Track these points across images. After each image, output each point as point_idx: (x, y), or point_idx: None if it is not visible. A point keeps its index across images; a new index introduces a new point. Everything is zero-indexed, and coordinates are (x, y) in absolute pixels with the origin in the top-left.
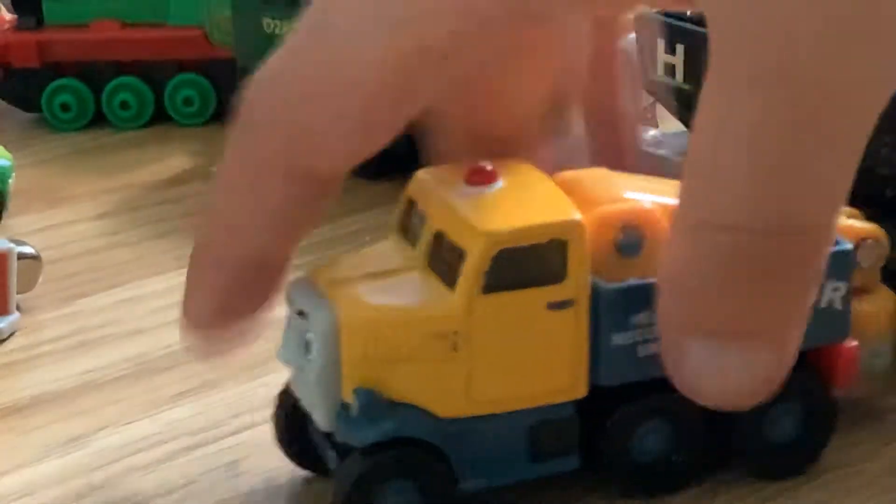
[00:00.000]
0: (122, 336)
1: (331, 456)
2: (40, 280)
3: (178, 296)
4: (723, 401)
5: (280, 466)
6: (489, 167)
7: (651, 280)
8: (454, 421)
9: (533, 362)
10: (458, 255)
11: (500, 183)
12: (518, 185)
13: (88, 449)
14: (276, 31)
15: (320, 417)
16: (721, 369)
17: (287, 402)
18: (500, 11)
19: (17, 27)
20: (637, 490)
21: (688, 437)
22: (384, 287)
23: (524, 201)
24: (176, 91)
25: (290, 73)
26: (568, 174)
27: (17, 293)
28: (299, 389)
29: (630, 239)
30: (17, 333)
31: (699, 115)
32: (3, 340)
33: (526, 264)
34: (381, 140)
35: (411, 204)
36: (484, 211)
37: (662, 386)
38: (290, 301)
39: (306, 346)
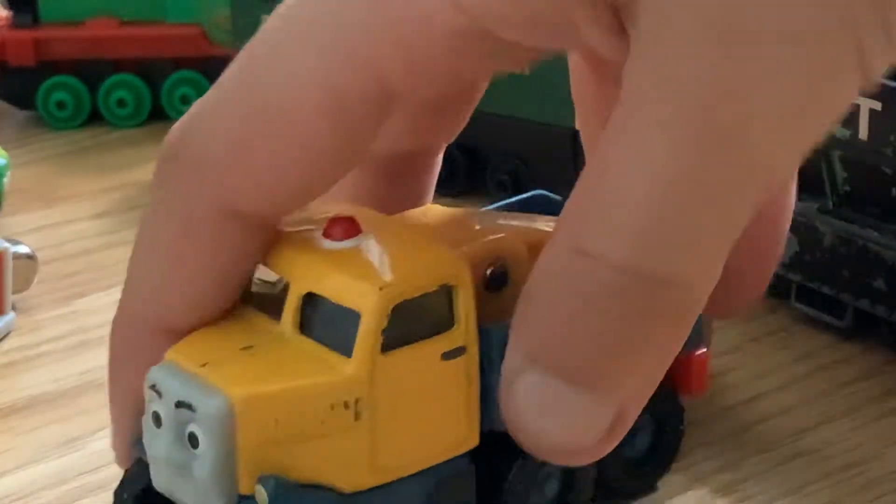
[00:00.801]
0: None
1: None
2: (36, 280)
3: None
4: (540, 446)
5: None
6: (348, 218)
7: None
8: (362, 493)
9: (431, 418)
10: (347, 316)
11: (364, 234)
12: (382, 234)
13: (86, 450)
14: None
15: None
16: (549, 410)
17: (132, 490)
18: (448, 44)
19: (13, 24)
20: None
21: (578, 477)
22: (263, 362)
23: (399, 250)
24: (173, 89)
25: (223, 113)
26: (405, 215)
27: (13, 293)
28: (179, 489)
29: (497, 273)
30: (13, 333)
31: (604, 147)
32: (0, 340)
33: (420, 315)
34: (321, 184)
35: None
36: (363, 266)
37: None
38: (159, 392)
39: (189, 441)
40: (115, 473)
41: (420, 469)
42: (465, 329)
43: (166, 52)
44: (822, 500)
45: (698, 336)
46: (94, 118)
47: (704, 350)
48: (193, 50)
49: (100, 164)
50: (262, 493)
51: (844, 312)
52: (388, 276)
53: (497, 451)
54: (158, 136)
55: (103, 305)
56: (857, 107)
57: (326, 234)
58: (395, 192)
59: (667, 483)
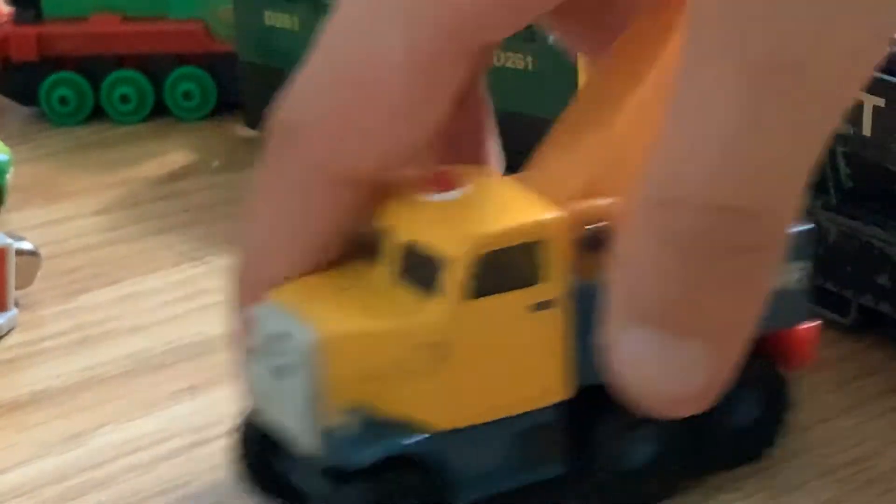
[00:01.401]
0: (123, 332)
1: (312, 483)
2: (39, 276)
3: (178, 292)
4: (650, 400)
5: None
6: (450, 173)
7: None
8: (444, 434)
9: (517, 366)
10: (438, 263)
11: (464, 188)
12: (482, 188)
13: (88, 446)
14: (278, 24)
15: (304, 444)
16: (653, 363)
17: (249, 435)
18: None
19: (16, 20)
20: (624, 500)
21: (674, 439)
22: (360, 303)
23: (496, 204)
24: (176, 85)
25: (320, 83)
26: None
27: (16, 289)
28: (275, 418)
29: (594, 236)
30: (16, 330)
31: (676, 95)
32: (2, 337)
33: (508, 267)
34: (420, 134)
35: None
36: (458, 216)
37: None
38: (259, 327)
39: (282, 373)
40: (116, 471)
41: (505, 415)
42: (556, 283)
43: (169, 47)
44: (823, 498)
45: (802, 310)
46: (97, 114)
47: (809, 324)
48: (196, 45)
49: (102, 161)
50: (348, 425)
51: (848, 309)
52: (479, 226)
53: (592, 408)
54: (161, 133)
55: (106, 302)
56: (861, 103)
57: (426, 187)
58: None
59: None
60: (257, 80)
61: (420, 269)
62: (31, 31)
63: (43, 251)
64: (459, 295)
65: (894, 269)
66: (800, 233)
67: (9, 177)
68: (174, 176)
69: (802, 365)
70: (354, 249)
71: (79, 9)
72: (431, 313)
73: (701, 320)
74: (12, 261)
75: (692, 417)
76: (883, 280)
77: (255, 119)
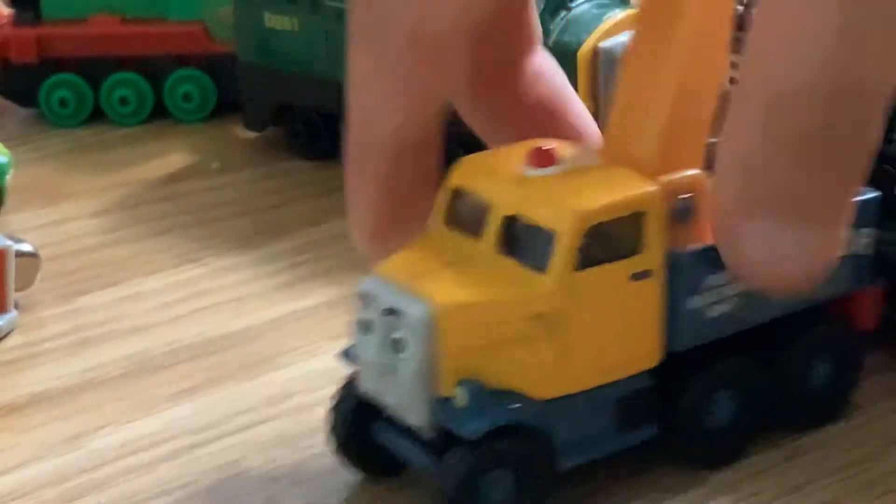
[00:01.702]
0: (123, 334)
1: (419, 454)
2: (39, 277)
3: (178, 293)
4: (777, 283)
5: (281, 466)
6: (549, 148)
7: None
8: (551, 402)
9: (618, 334)
10: (545, 236)
11: (561, 163)
12: (578, 163)
13: (88, 448)
14: (278, 26)
15: (415, 414)
16: (777, 250)
17: (346, 407)
18: None
19: (15, 22)
20: (708, 459)
21: (755, 401)
22: (466, 277)
23: (595, 178)
24: (176, 86)
25: None
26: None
27: (16, 291)
28: (385, 391)
29: (684, 206)
30: (15, 331)
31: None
32: (2, 338)
33: (612, 238)
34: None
35: (457, 193)
36: (561, 191)
37: (730, 348)
38: (370, 300)
39: (395, 345)
40: (116, 472)
41: (607, 381)
42: (653, 254)
43: (168, 49)
44: (823, 499)
45: (869, 274)
46: (97, 116)
47: (874, 287)
48: (196, 47)
49: (102, 162)
50: (461, 395)
51: None
52: (584, 201)
53: (677, 372)
54: (161, 134)
55: (105, 303)
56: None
57: (528, 162)
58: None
59: (664, 479)
60: (257, 82)
61: (525, 243)
62: (30, 32)
63: (43, 253)
64: (568, 267)
65: (894, 271)
66: (866, 200)
67: (8, 178)
68: (174, 177)
69: (869, 326)
70: (456, 225)
71: (78, 10)
72: (541, 285)
73: (816, 204)
74: (12, 263)
75: (771, 380)
76: (884, 283)
77: (255, 120)
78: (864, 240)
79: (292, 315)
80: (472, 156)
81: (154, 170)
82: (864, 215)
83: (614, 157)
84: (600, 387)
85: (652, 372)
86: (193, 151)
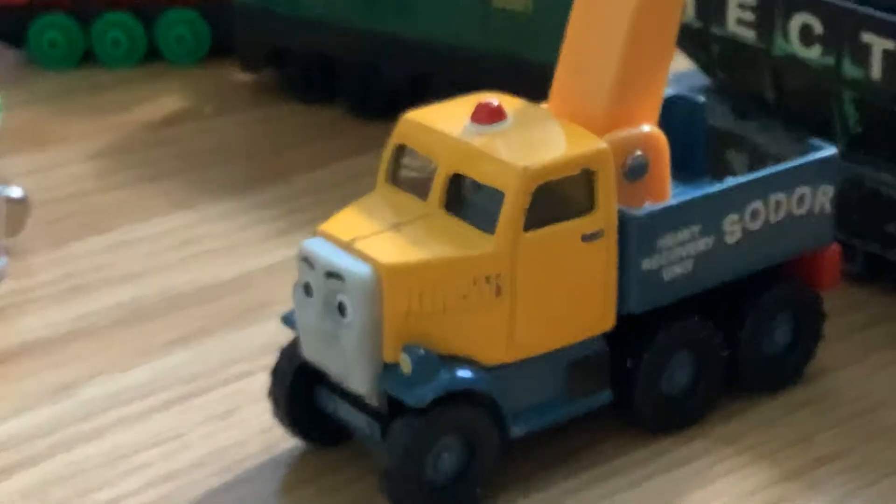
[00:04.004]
0: (115, 281)
1: (364, 421)
2: (29, 223)
3: (170, 239)
4: None
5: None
6: (495, 104)
7: (674, 202)
8: (500, 368)
9: (569, 298)
10: (492, 195)
11: (509, 119)
12: (525, 120)
13: (79, 398)
14: None
15: (359, 381)
16: None
17: (286, 374)
18: None
19: None
20: (666, 424)
21: (712, 365)
22: (411, 238)
23: (542, 136)
24: (168, 28)
25: None
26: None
27: (5, 237)
28: (327, 357)
29: (637, 163)
30: (5, 278)
31: None
32: None
33: (561, 198)
34: None
35: (401, 150)
36: (509, 148)
37: (686, 309)
38: (310, 262)
39: (338, 309)
40: (108, 423)
41: (558, 347)
42: (605, 213)
43: None
44: (832, 448)
45: (829, 232)
46: (88, 58)
47: (834, 245)
48: None
49: (94, 105)
50: (406, 361)
51: (855, 257)
52: (531, 159)
53: (631, 335)
54: (154, 77)
55: (97, 249)
56: (870, 47)
57: (474, 119)
58: None
59: (664, 434)
60: (252, 24)
61: (472, 202)
62: None
63: (33, 198)
64: (516, 227)
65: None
66: (823, 158)
67: None
68: (167, 121)
69: (830, 286)
70: (401, 183)
71: None
72: (489, 245)
73: None
74: (1, 209)
75: (730, 340)
76: (891, 228)
77: (249, 63)
78: (822, 198)
79: (286, 262)
80: (416, 111)
81: (147, 113)
82: (822, 173)
83: (564, 112)
84: (552, 352)
85: (605, 336)
86: (187, 94)
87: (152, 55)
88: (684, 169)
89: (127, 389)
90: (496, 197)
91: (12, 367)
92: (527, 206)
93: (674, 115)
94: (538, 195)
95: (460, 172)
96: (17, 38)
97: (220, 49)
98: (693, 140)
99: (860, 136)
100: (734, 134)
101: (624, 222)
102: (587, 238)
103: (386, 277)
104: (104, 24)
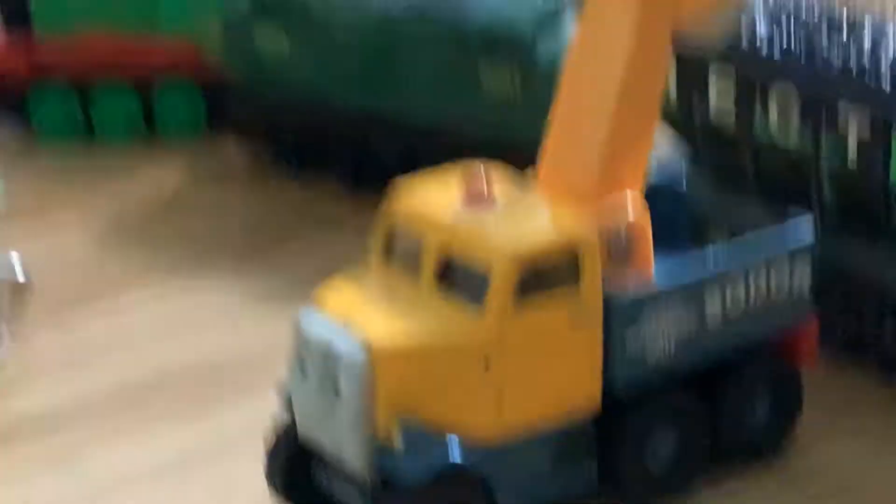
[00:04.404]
0: (113, 356)
1: (356, 498)
2: (29, 298)
3: (168, 313)
4: None
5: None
6: (485, 187)
7: (659, 286)
8: (490, 446)
9: (555, 377)
10: (481, 276)
11: (497, 201)
12: (515, 200)
13: (80, 473)
14: (268, 44)
15: (352, 457)
16: None
17: (282, 450)
18: None
19: (7, 35)
20: (651, 497)
21: (695, 440)
22: (403, 318)
23: (531, 217)
24: (166, 101)
25: None
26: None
27: (7, 321)
28: (321, 431)
29: (622, 243)
30: (5, 352)
31: None
32: None
33: (547, 279)
34: None
35: (394, 230)
36: (498, 231)
37: (669, 389)
38: (306, 342)
39: (332, 388)
40: (109, 497)
41: (544, 425)
42: (590, 294)
43: (160, 63)
44: None
45: (807, 310)
46: (89, 129)
47: (812, 323)
48: (187, 62)
49: (92, 179)
50: (398, 439)
51: (833, 334)
52: (519, 243)
53: (616, 412)
54: (152, 151)
55: (96, 324)
56: (847, 131)
57: (464, 200)
58: None
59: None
60: (247, 100)
61: (462, 283)
62: (21, 46)
63: (32, 270)
64: (504, 308)
65: (879, 294)
66: (801, 231)
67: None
68: (164, 195)
69: (808, 362)
70: (394, 262)
71: (70, 24)
72: (478, 326)
73: None
74: (3, 293)
75: (711, 417)
76: (867, 305)
77: (245, 138)
78: (800, 275)
79: (282, 336)
80: (408, 185)
81: (144, 185)
82: (801, 251)
83: (553, 184)
84: (539, 429)
85: (593, 415)
86: (185, 168)
87: (150, 127)
88: (666, 244)
89: (127, 464)
90: (485, 279)
91: (13, 442)
92: (514, 288)
93: (657, 199)
94: (525, 277)
95: (450, 254)
96: (18, 111)
97: (216, 124)
98: (675, 220)
99: (838, 217)
100: (715, 211)
101: (609, 305)
102: (574, 318)
103: (379, 359)
104: (104, 97)
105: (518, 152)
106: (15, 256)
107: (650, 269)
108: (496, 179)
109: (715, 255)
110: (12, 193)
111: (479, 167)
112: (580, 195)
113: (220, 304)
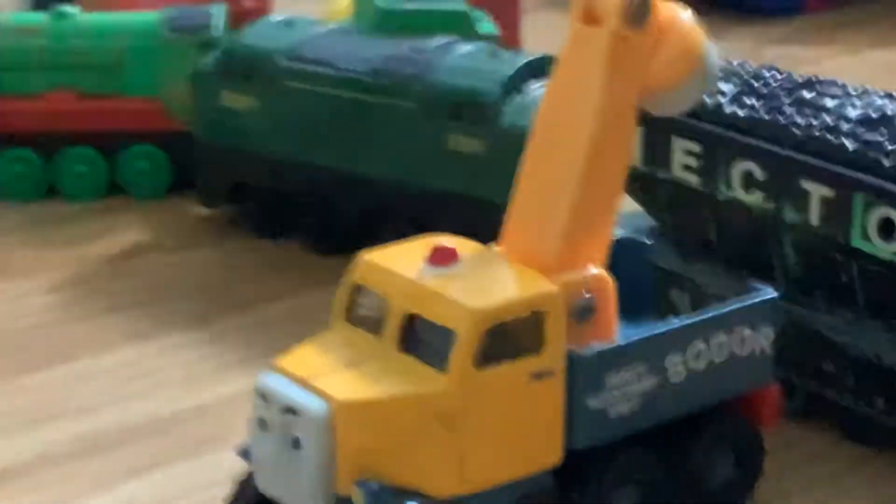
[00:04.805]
0: (73, 412)
1: None
2: None
3: (129, 370)
4: None
5: None
6: (449, 246)
7: (620, 342)
8: (451, 501)
9: (518, 434)
10: (444, 334)
11: (462, 261)
12: (477, 261)
13: None
14: (235, 104)
15: None
16: None
17: (243, 502)
18: None
19: None
20: None
21: (655, 498)
22: (366, 375)
23: (494, 277)
24: (131, 162)
25: None
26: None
27: None
28: (282, 490)
29: (585, 304)
30: None
31: None
32: None
33: (512, 338)
34: None
35: (357, 289)
36: (462, 289)
37: (631, 443)
38: (266, 398)
39: (293, 444)
40: None
41: (505, 482)
42: (554, 353)
43: (124, 125)
44: None
45: (769, 372)
46: (51, 191)
47: (774, 385)
48: (152, 124)
49: (55, 238)
50: (359, 495)
51: (794, 394)
52: (483, 300)
53: (578, 469)
54: (115, 210)
55: (56, 380)
56: (809, 193)
57: (428, 261)
58: None
59: None
60: (213, 160)
61: (425, 341)
62: None
63: None
64: (467, 366)
65: (840, 356)
66: (765, 300)
67: None
68: (127, 254)
69: (771, 424)
70: (357, 321)
71: (34, 86)
72: (441, 384)
73: None
74: None
75: (672, 475)
76: (829, 367)
77: (209, 198)
78: (763, 339)
79: (243, 394)
80: (372, 251)
81: (108, 246)
82: (763, 315)
83: (516, 253)
84: (501, 486)
85: (553, 470)
86: (148, 228)
87: (114, 189)
88: (630, 308)
89: None
90: (448, 336)
91: None
92: (478, 346)
93: (621, 256)
94: (489, 335)
95: (414, 313)
96: None
97: (181, 184)
98: (639, 281)
99: (800, 278)
100: (678, 274)
101: (572, 361)
102: (536, 377)
103: (340, 414)
104: (68, 158)
105: (484, 212)
106: None
107: (613, 335)
108: (461, 244)
109: (678, 321)
110: None
111: (444, 238)
112: (543, 265)
113: (181, 363)
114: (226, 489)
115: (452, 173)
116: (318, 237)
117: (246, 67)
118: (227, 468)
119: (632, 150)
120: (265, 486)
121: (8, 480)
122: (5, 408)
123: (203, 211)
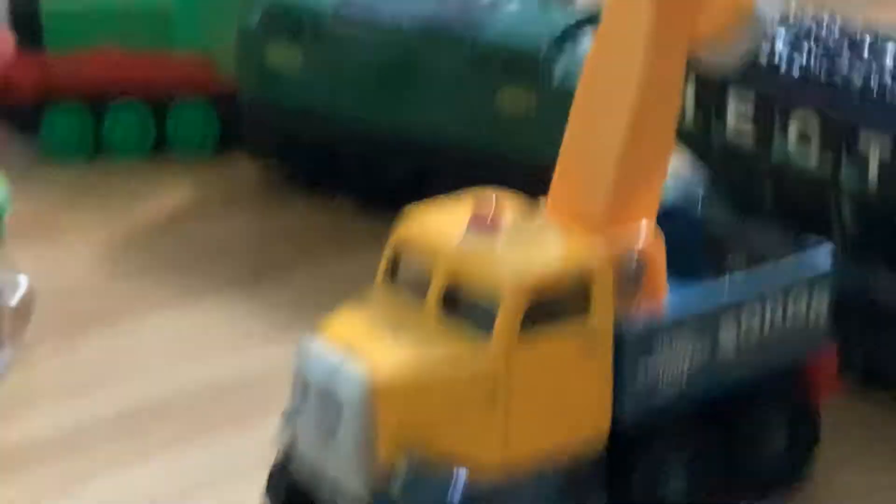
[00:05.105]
0: (121, 376)
1: None
2: (35, 315)
3: (177, 333)
4: None
5: None
6: (492, 213)
7: (671, 316)
8: (496, 475)
9: (563, 407)
10: (488, 303)
11: (506, 227)
12: (524, 226)
13: (85, 496)
14: (281, 61)
15: (355, 488)
16: None
17: (285, 477)
18: None
19: (18, 53)
20: None
21: (708, 471)
22: (407, 346)
23: (540, 243)
24: (179, 119)
25: None
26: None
27: (13, 331)
28: (324, 461)
29: (633, 269)
30: (11, 371)
31: None
32: None
33: (556, 308)
34: None
35: (401, 251)
36: (504, 259)
37: (681, 420)
38: (308, 369)
39: (335, 415)
40: None
41: (552, 457)
42: (602, 321)
43: (173, 81)
44: None
45: (825, 339)
46: (99, 147)
47: (830, 352)
48: (200, 79)
49: (103, 197)
50: (400, 467)
51: (852, 363)
52: (527, 271)
53: (628, 441)
54: (164, 168)
55: (105, 343)
56: (867, 154)
57: (472, 225)
58: None
59: None
60: (260, 117)
61: (469, 309)
62: (33, 63)
63: (40, 288)
64: (512, 336)
65: None
66: (820, 257)
67: (7, 212)
68: (175, 213)
69: (827, 392)
70: (401, 284)
71: (82, 41)
72: (484, 354)
73: None
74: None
75: (726, 448)
76: (887, 334)
77: (257, 155)
78: (818, 302)
79: (287, 358)
80: (417, 210)
81: (155, 205)
82: (819, 274)
83: (563, 211)
84: (546, 461)
85: (601, 446)
86: (196, 186)
87: (162, 145)
88: (682, 270)
89: (131, 488)
90: (492, 306)
91: (18, 464)
92: (522, 315)
93: (672, 217)
94: (533, 305)
95: (458, 280)
96: (30, 128)
97: (229, 141)
98: (690, 242)
99: (857, 241)
100: (732, 236)
101: (621, 333)
102: (583, 347)
103: (381, 391)
104: (116, 115)
105: (533, 172)
106: (22, 277)
107: (662, 298)
108: (507, 206)
109: (730, 284)
110: (21, 212)
111: (491, 194)
112: (590, 223)
113: (227, 326)
114: (269, 457)
115: (501, 128)
116: (365, 196)
117: (292, 23)
118: (270, 435)
119: (682, 100)
120: (307, 455)
121: (56, 446)
122: (51, 372)
123: (251, 169)
